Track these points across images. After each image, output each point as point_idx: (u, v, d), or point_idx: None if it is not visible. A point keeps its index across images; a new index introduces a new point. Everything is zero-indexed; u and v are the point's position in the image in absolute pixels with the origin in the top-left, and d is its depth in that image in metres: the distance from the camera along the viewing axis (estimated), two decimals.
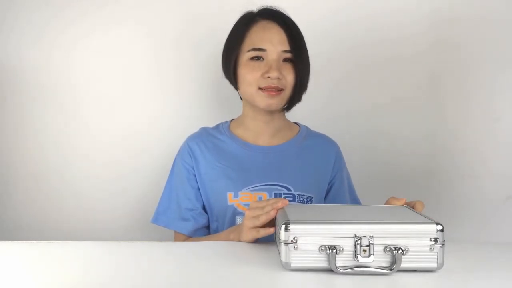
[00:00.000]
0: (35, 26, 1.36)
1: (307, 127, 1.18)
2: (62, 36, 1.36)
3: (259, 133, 1.10)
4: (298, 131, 1.15)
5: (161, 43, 1.38)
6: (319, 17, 1.37)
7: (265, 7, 1.07)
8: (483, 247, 0.87)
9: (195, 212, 1.07)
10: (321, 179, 1.11)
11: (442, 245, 0.67)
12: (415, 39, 1.36)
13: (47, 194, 1.37)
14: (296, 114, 1.18)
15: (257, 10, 1.07)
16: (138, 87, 1.38)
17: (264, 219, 0.80)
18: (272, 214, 0.79)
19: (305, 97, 1.09)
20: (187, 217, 1.06)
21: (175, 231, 1.09)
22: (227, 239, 0.93)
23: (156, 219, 1.10)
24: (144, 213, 1.36)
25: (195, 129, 1.17)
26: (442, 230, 0.67)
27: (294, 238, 0.67)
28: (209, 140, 1.10)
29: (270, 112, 1.06)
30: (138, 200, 1.38)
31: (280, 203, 0.79)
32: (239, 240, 0.87)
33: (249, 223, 0.83)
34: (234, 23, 1.08)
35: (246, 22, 1.05)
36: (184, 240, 1.07)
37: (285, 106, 1.08)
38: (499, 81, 1.34)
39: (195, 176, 1.08)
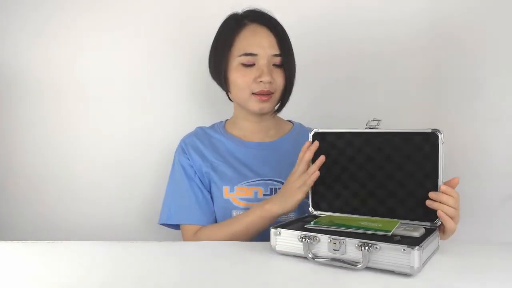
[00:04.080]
0: (34, 25, 1.35)
1: (300, 124, 1.20)
2: (60, 37, 1.36)
3: (252, 131, 1.13)
4: (291, 128, 1.17)
5: (157, 43, 1.38)
6: (316, 12, 1.36)
7: (252, 9, 1.07)
8: (483, 247, 0.86)
9: (209, 201, 1.07)
10: None
11: (419, 249, 0.65)
12: (415, 38, 1.36)
13: (47, 194, 1.37)
14: (294, 114, 1.19)
15: (243, 12, 1.08)
16: (137, 88, 1.38)
17: (311, 181, 0.89)
18: (317, 174, 0.89)
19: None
20: (203, 207, 1.05)
21: (184, 226, 1.06)
22: (259, 214, 0.95)
23: (168, 219, 1.07)
24: (144, 213, 1.37)
25: (191, 129, 1.18)
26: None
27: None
28: (205, 138, 1.13)
29: (260, 113, 1.09)
30: (138, 200, 1.38)
31: (319, 162, 0.89)
32: (279, 211, 0.93)
33: (298, 182, 0.90)
34: (219, 26, 1.08)
35: (234, 26, 1.05)
36: (197, 231, 1.03)
37: (276, 108, 1.11)
38: (499, 81, 1.34)
39: (196, 172, 1.09)
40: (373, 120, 0.85)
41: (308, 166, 0.91)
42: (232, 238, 0.97)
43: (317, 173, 0.88)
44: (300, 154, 0.92)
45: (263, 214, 0.94)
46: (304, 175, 0.90)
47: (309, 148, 0.90)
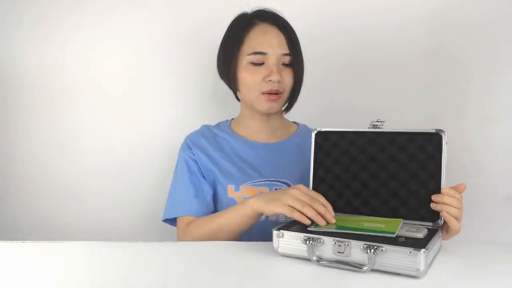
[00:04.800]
0: (28, 25, 1.34)
1: (305, 126, 1.20)
2: (57, 36, 1.35)
3: (257, 131, 1.12)
4: (297, 130, 1.17)
5: (156, 43, 1.37)
6: (315, 12, 1.36)
7: (261, 8, 1.07)
8: (483, 247, 0.86)
9: (208, 196, 1.05)
10: None
11: (425, 251, 0.65)
12: (412, 40, 1.36)
13: (47, 194, 1.36)
14: (293, 116, 1.18)
15: (252, 12, 1.08)
16: (137, 88, 1.37)
17: (299, 216, 0.79)
18: (307, 222, 0.79)
19: (303, 98, 1.09)
20: (201, 200, 1.04)
21: (180, 219, 1.04)
22: (244, 208, 0.88)
23: (169, 213, 1.06)
24: (144, 213, 1.36)
25: (195, 127, 1.17)
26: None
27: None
28: (210, 136, 1.13)
29: (268, 113, 1.08)
30: (138, 200, 1.37)
31: (329, 218, 0.79)
32: (259, 208, 0.85)
33: (289, 200, 0.81)
34: (228, 25, 1.08)
35: (244, 25, 1.05)
36: (190, 222, 1.01)
37: (284, 108, 1.11)
38: (499, 81, 1.34)
39: (200, 168, 1.08)
40: (377, 121, 0.85)
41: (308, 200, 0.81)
42: (217, 231, 0.93)
43: (307, 221, 0.79)
44: (318, 196, 0.82)
45: (245, 209, 0.89)
46: (298, 202, 0.80)
47: (326, 211, 0.80)
